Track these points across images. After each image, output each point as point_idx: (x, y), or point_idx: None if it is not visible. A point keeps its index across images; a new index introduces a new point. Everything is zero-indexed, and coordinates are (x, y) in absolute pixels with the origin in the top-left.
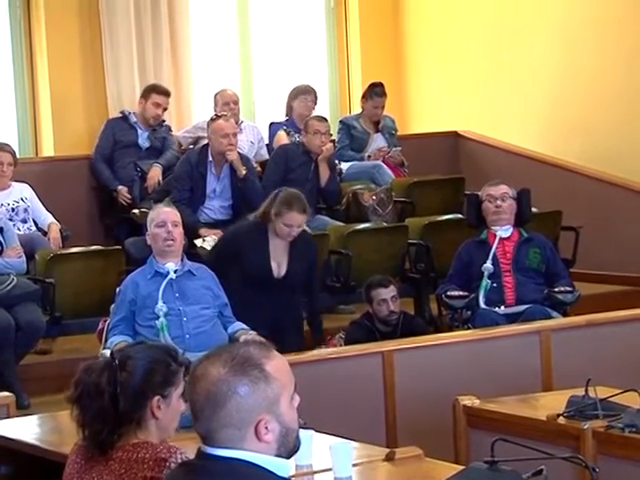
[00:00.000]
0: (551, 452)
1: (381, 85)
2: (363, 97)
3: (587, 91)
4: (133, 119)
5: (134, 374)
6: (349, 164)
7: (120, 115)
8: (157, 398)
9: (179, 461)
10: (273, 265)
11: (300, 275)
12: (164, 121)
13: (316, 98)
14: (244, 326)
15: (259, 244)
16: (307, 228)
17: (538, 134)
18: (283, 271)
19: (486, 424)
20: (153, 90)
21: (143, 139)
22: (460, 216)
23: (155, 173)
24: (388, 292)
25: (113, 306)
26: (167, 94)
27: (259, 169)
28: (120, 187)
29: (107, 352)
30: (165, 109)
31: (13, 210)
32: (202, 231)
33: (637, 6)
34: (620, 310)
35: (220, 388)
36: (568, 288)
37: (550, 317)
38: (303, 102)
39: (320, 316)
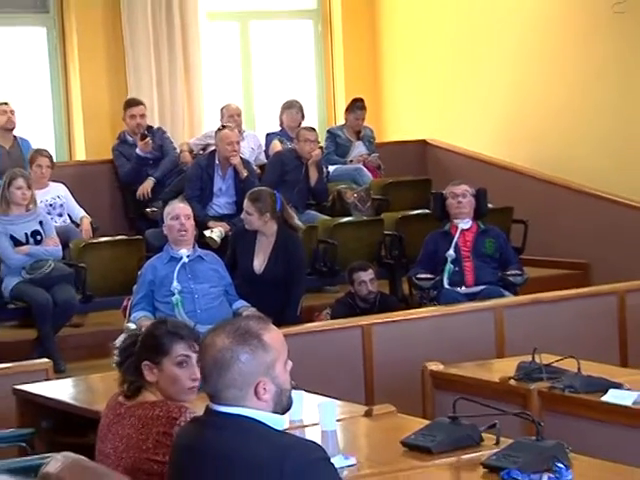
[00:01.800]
0: (503, 409)
1: (361, 100)
2: (346, 110)
3: (535, 106)
4: (129, 138)
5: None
6: (334, 167)
7: (119, 140)
8: (146, 363)
9: (188, 419)
10: (255, 262)
11: (276, 272)
12: (151, 127)
13: (302, 109)
14: (246, 303)
15: (247, 243)
16: (300, 224)
17: (493, 142)
18: (263, 268)
19: (449, 385)
20: (127, 105)
21: (144, 152)
22: (427, 211)
23: (147, 185)
24: (367, 275)
25: (135, 286)
26: (139, 103)
27: (258, 171)
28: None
29: (131, 325)
30: (142, 116)
31: (51, 206)
32: (210, 223)
33: (576, 33)
34: (562, 290)
35: (225, 355)
36: (518, 272)
37: (503, 296)
38: (289, 115)
39: (293, 310)
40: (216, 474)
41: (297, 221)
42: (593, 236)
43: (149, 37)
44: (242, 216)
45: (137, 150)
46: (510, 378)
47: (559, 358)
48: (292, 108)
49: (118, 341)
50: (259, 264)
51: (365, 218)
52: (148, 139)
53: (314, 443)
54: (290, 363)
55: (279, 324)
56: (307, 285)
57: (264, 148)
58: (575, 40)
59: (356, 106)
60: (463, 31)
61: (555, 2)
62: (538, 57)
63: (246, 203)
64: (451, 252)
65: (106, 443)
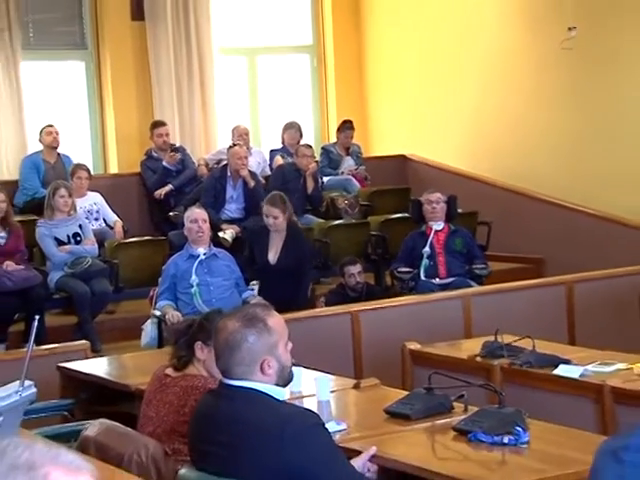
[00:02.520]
0: (471, 382)
1: (350, 122)
2: (337, 130)
3: (495, 125)
4: (155, 154)
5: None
6: (328, 178)
7: (146, 156)
8: (198, 342)
9: None
10: (270, 255)
11: (288, 262)
12: (173, 144)
13: (300, 130)
14: (253, 293)
15: (262, 240)
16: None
17: (460, 156)
18: (276, 259)
19: (425, 362)
20: (153, 126)
21: (169, 165)
22: (407, 215)
23: (165, 189)
24: (355, 268)
25: (160, 279)
26: (163, 124)
27: (263, 181)
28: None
29: (156, 312)
30: (167, 134)
31: (89, 212)
32: (223, 226)
33: (531, 63)
34: (520, 281)
35: (235, 337)
36: (483, 265)
37: (470, 286)
38: (290, 134)
39: (304, 295)
40: (228, 437)
41: (299, 227)
42: (546, 235)
43: (171, 69)
44: (269, 221)
45: (164, 162)
46: (476, 356)
47: (517, 338)
48: (292, 128)
49: (146, 325)
50: (273, 256)
51: (354, 221)
52: (175, 154)
53: (311, 411)
54: (290, 344)
55: (291, 307)
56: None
57: (268, 162)
58: (530, 69)
59: (346, 127)
60: (435, 64)
61: (513, 38)
62: (498, 84)
63: (269, 208)
64: (427, 249)
65: (150, 407)
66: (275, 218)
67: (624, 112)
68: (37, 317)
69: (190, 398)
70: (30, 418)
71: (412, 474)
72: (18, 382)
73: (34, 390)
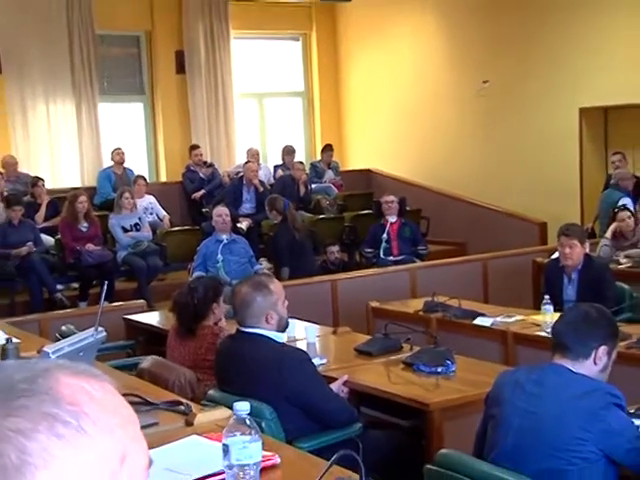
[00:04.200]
0: (415, 329)
1: (330, 145)
2: (322, 151)
3: (432, 147)
4: (192, 168)
5: (201, 292)
6: (315, 185)
7: (186, 169)
8: (214, 304)
9: (225, 335)
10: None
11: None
12: (206, 161)
13: (294, 151)
14: (261, 266)
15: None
16: (301, 224)
17: (409, 170)
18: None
19: (382, 315)
20: (191, 148)
21: (203, 175)
22: (371, 212)
23: (199, 193)
24: (335, 248)
25: (195, 257)
26: (198, 147)
27: (269, 188)
28: (194, 195)
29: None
30: (201, 154)
31: (145, 208)
32: (240, 219)
33: (457, 103)
34: (449, 258)
35: (247, 297)
36: (424, 247)
37: (415, 262)
38: (288, 156)
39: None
40: (244, 367)
41: (299, 222)
42: (467, 226)
43: (204, 107)
44: (272, 214)
45: (201, 173)
46: (419, 311)
47: (448, 298)
48: (290, 153)
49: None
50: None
51: (333, 216)
52: (210, 169)
53: (302, 350)
54: (286, 302)
55: (305, 274)
56: None
57: (272, 174)
58: (456, 109)
59: (327, 149)
60: (392, 105)
61: (445, 87)
62: (435, 119)
63: (267, 209)
64: (384, 236)
65: (174, 350)
66: (273, 212)
67: (522, 141)
68: (106, 283)
69: (205, 340)
70: (103, 354)
71: (373, 394)
72: (93, 328)
73: (104, 334)
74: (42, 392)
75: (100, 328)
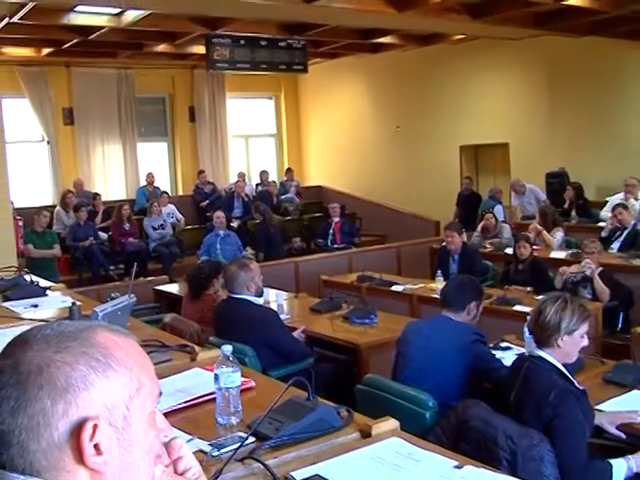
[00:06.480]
0: (351, 294)
1: (290, 168)
2: (285, 173)
3: (364, 169)
4: (200, 187)
5: (206, 270)
6: (283, 196)
7: (195, 187)
8: (214, 280)
9: (220, 300)
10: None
11: (269, 234)
12: (209, 181)
13: (268, 174)
14: (246, 252)
15: (262, 225)
16: (277, 220)
17: (349, 185)
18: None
19: (330, 285)
20: (199, 172)
21: (207, 191)
22: (322, 214)
23: (204, 203)
24: (297, 239)
25: (201, 246)
26: (204, 172)
27: (252, 198)
28: (201, 204)
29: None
30: (205, 176)
31: (168, 214)
32: (232, 220)
33: (381, 138)
34: (375, 245)
35: (234, 273)
36: (357, 238)
37: (351, 249)
38: (264, 176)
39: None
40: (235, 321)
41: (274, 221)
42: (387, 224)
43: (208, 144)
44: (257, 216)
45: (205, 189)
46: (354, 282)
47: (374, 273)
48: (264, 174)
49: (192, 269)
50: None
51: (296, 217)
52: (212, 186)
53: (273, 310)
54: (262, 276)
55: (277, 257)
56: None
57: (254, 189)
58: (381, 143)
59: (289, 171)
60: (337, 141)
61: (373, 128)
62: (364, 150)
63: (253, 211)
64: (331, 231)
65: (187, 310)
66: (256, 213)
67: (422, 166)
68: (136, 265)
69: (207, 303)
70: (140, 312)
71: (322, 338)
72: (127, 295)
73: (135, 299)
74: (84, 339)
75: (132, 295)
